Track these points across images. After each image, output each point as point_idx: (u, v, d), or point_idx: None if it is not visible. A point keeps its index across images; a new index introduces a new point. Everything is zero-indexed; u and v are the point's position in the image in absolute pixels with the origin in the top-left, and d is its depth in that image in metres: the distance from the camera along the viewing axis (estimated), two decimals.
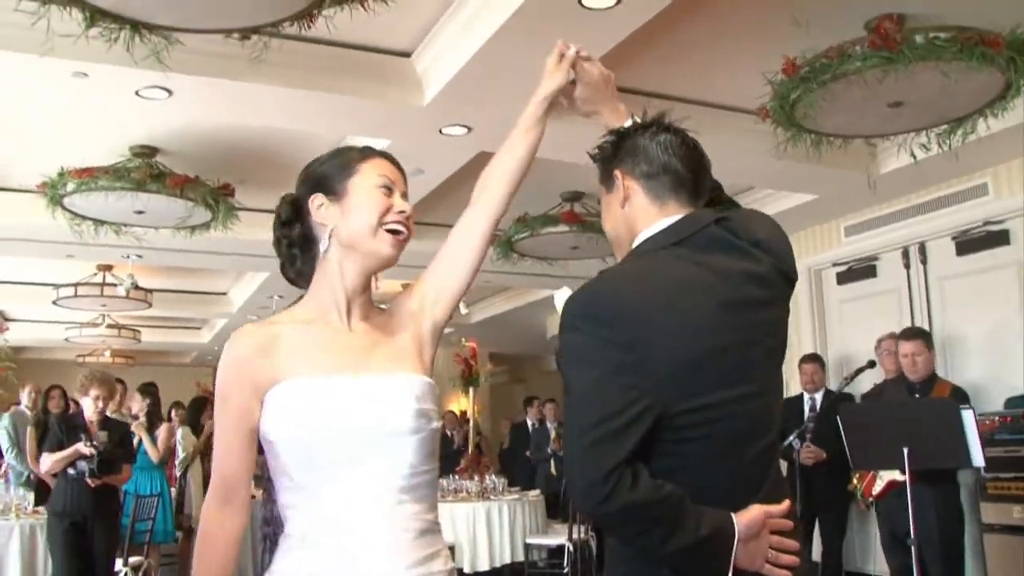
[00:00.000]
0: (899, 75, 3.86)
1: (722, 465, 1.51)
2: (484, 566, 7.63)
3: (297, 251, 1.79)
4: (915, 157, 4.83)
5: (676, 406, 1.48)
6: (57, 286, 8.97)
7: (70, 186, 5.56)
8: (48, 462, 5.56)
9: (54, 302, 9.10)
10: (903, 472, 4.25)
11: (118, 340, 12.31)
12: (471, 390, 9.20)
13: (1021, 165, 5.85)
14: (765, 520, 1.48)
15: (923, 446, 4.22)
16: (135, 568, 6.42)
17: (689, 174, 1.69)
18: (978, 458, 4.18)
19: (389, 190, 1.76)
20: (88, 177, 5.46)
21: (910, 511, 4.22)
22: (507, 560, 7.74)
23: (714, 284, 1.58)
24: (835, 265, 7.41)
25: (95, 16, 3.30)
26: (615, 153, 1.74)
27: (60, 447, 5.51)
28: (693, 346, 1.51)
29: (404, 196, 1.79)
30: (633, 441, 1.43)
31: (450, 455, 10.59)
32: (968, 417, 4.16)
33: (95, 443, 5.47)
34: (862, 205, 6.75)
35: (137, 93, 4.51)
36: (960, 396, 5.07)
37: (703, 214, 1.68)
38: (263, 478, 8.31)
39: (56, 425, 5.80)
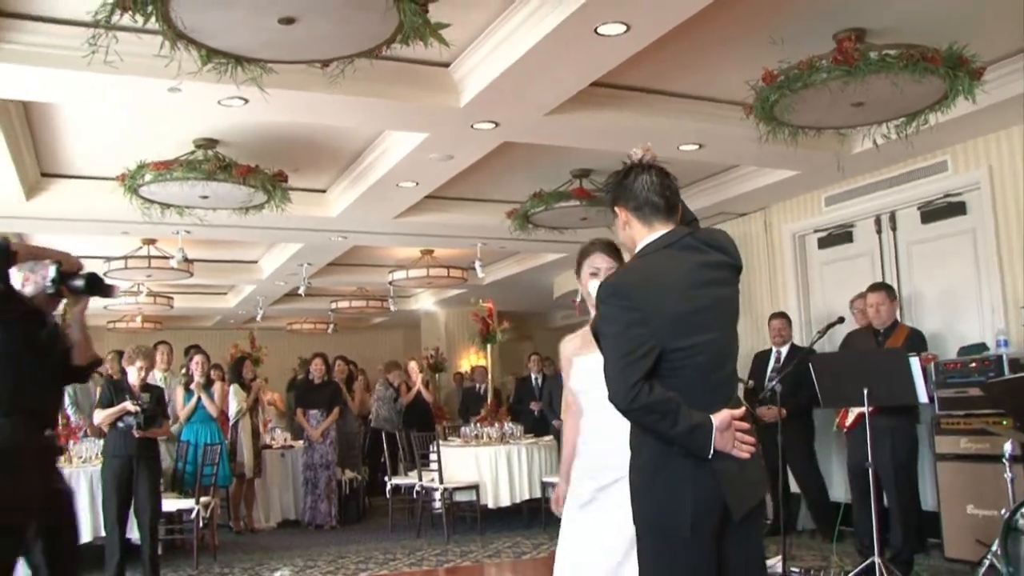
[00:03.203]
0: (857, 84, 4.70)
1: (701, 385, 2.46)
2: (505, 502, 8.61)
3: None
4: (876, 145, 5.70)
5: (669, 345, 2.43)
6: (108, 259, 9.78)
7: (148, 176, 6.38)
8: (99, 416, 6.63)
9: (105, 274, 9.91)
10: (864, 407, 5.19)
11: (152, 307, 13.17)
12: (488, 347, 10.09)
13: (975, 146, 6.71)
14: (730, 420, 2.42)
15: (879, 386, 5.15)
16: (205, 506, 7.37)
17: (662, 201, 2.64)
18: (923, 395, 5.11)
19: (595, 273, 3.18)
20: (165, 169, 6.28)
21: (868, 440, 5.17)
22: (525, 497, 8.72)
23: (686, 271, 2.55)
24: (816, 231, 8.28)
25: (211, 54, 4.13)
26: (615, 194, 2.72)
27: (110, 405, 6.49)
28: (675, 309, 2.47)
29: (602, 272, 3.15)
30: (645, 367, 2.39)
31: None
32: (915, 363, 5.08)
33: (139, 402, 6.49)
34: (839, 178, 7.59)
35: (219, 102, 5.35)
36: (917, 337, 6.01)
37: (681, 230, 2.64)
38: (303, 433, 9.28)
39: (106, 387, 6.82)
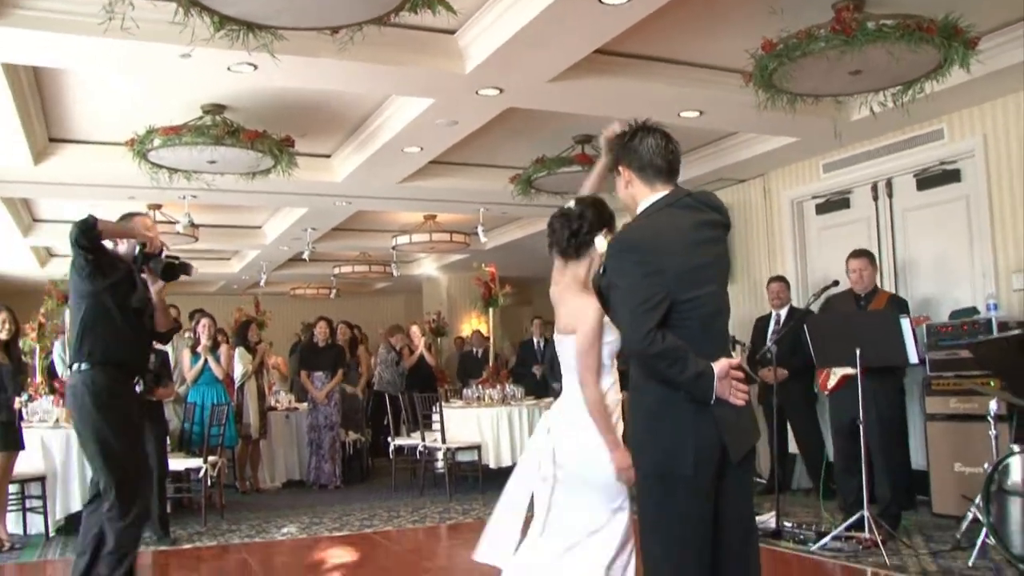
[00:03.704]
0: (854, 53, 4.80)
1: (705, 334, 2.65)
2: (507, 462, 8.77)
3: (573, 248, 3.11)
4: (873, 112, 5.81)
5: (678, 296, 2.59)
6: None
7: (157, 141, 6.49)
8: None
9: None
10: (855, 368, 5.35)
11: None
12: (490, 311, 10.24)
13: (971, 115, 6.82)
14: (728, 369, 2.60)
15: (872, 347, 5.31)
16: (212, 465, 7.55)
17: (665, 164, 2.80)
18: (913, 356, 5.27)
19: None
20: (174, 134, 6.40)
21: (861, 400, 5.34)
22: None
23: (688, 229, 2.72)
24: (814, 198, 8.40)
25: (223, 21, 4.23)
26: (619, 154, 2.87)
27: None
28: (680, 263, 2.64)
29: None
30: (658, 315, 2.55)
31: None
32: (905, 324, 5.24)
33: None
34: (837, 146, 7.70)
35: (229, 68, 5.46)
36: (897, 302, 6.14)
37: (680, 191, 2.81)
38: (307, 395, 9.44)
39: None
